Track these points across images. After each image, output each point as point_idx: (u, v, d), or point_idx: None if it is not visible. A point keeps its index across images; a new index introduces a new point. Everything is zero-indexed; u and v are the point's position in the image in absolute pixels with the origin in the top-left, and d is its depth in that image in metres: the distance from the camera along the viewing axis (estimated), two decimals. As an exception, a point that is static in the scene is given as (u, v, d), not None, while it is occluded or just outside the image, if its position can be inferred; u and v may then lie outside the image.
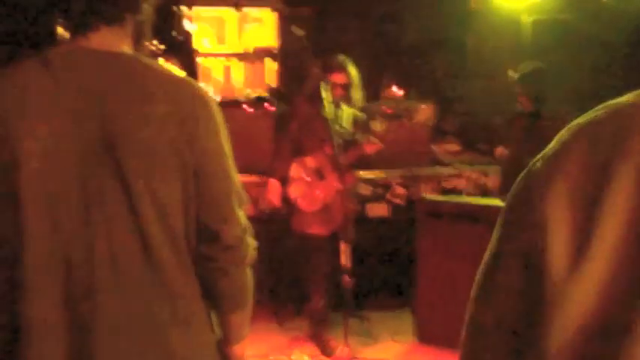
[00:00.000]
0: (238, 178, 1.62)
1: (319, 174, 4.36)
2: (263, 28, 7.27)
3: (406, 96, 5.75)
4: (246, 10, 7.12)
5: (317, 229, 4.23)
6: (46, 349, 1.42)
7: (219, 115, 1.57)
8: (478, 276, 1.07)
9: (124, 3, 1.50)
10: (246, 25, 7.20)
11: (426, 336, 4.53)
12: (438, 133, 5.38)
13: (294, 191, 4.30)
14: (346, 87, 4.38)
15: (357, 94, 4.46)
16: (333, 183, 4.33)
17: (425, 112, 4.41)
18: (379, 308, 5.08)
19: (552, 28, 5.50)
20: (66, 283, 1.42)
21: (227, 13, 7.14)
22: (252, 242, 1.65)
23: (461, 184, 5.24)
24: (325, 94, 4.19)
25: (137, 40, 1.58)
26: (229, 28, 7.19)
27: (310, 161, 4.37)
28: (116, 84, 1.46)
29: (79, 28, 1.49)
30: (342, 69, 4.37)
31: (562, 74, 4.98)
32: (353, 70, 4.42)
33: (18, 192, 1.40)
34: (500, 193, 4.64)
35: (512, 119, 4.58)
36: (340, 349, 4.05)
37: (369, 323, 4.81)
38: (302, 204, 4.28)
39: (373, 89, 4.85)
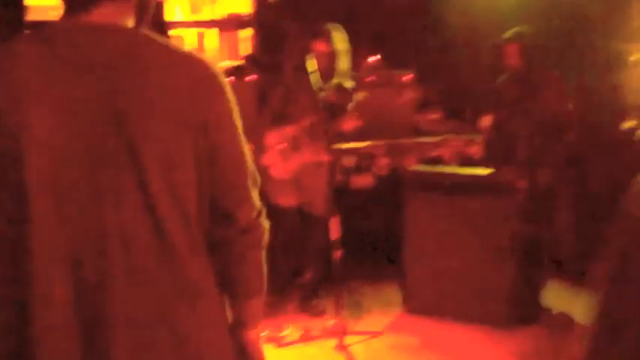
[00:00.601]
0: (251, 158, 1.57)
1: (295, 144, 4.32)
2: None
3: (385, 65, 5.69)
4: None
5: (284, 200, 4.21)
6: (58, 345, 1.36)
7: (231, 93, 1.50)
8: None
9: None
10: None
11: (414, 306, 4.56)
12: (420, 102, 5.35)
13: (267, 159, 4.28)
14: (330, 56, 4.32)
15: (344, 64, 4.39)
16: (307, 155, 4.31)
17: (406, 81, 4.38)
18: (367, 280, 5.10)
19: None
20: (77, 272, 1.36)
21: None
22: (266, 224, 1.61)
23: (445, 153, 5.23)
24: (310, 64, 4.14)
25: (140, 14, 1.49)
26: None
27: (289, 131, 4.33)
28: (124, 61, 1.38)
29: (81, 3, 1.39)
30: (326, 37, 4.30)
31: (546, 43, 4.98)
32: (340, 40, 4.36)
33: (24, 182, 1.32)
34: (486, 160, 4.65)
35: (502, 85, 4.58)
36: (333, 322, 4.05)
37: (358, 295, 4.83)
38: (272, 172, 4.26)
39: (352, 57, 4.77)
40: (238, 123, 1.52)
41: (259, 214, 1.59)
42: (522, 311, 4.33)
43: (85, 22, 1.39)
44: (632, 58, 5.13)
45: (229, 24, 7.04)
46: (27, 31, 1.45)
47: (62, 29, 1.40)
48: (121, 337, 1.38)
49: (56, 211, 1.34)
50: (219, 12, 7.04)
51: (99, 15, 1.40)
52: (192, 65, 1.46)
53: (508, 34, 4.48)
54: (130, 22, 1.46)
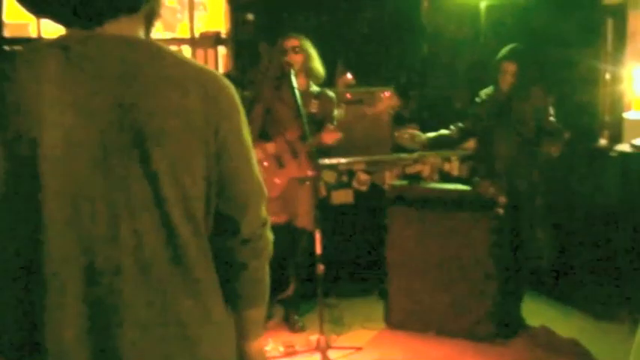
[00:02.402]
0: (259, 171, 1.60)
1: (279, 161, 4.32)
2: (211, 14, 7.15)
3: (362, 82, 5.73)
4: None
5: (274, 218, 4.18)
6: (67, 343, 1.36)
7: (241, 106, 1.54)
8: None
9: None
10: (195, 12, 7.06)
11: (396, 322, 4.56)
12: (398, 119, 5.39)
13: None
14: (306, 66, 4.35)
15: (318, 70, 4.43)
16: (292, 171, 4.31)
17: (385, 98, 4.39)
18: (348, 295, 5.10)
19: (508, 13, 5.57)
20: (88, 272, 1.37)
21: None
22: (270, 236, 1.63)
23: (424, 170, 5.28)
24: (291, 78, 4.15)
25: (147, 25, 1.53)
26: (179, 15, 7.04)
27: (270, 147, 4.33)
28: (139, 71, 1.40)
29: (95, 18, 1.41)
30: (299, 50, 4.33)
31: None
32: (310, 46, 4.40)
33: (38, 184, 1.33)
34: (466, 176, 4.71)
35: (483, 101, 4.61)
36: (316, 338, 4.03)
37: (339, 310, 4.82)
38: None
39: (327, 76, 4.80)
40: (246, 135, 1.55)
41: (264, 224, 1.61)
42: (504, 325, 4.37)
43: (100, 34, 1.41)
44: (607, 76, 5.25)
45: (204, 42, 7.03)
46: (45, 40, 1.46)
47: (78, 39, 1.40)
48: (130, 335, 1.39)
49: (70, 215, 1.35)
50: (194, 30, 7.05)
51: (113, 28, 1.42)
52: (204, 77, 1.47)
53: (504, 51, 4.49)
54: (142, 33, 1.50)
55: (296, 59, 4.30)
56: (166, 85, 1.41)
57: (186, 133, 1.41)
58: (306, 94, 4.32)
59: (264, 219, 1.60)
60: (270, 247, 1.64)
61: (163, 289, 1.42)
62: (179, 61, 1.47)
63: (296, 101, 4.07)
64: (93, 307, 1.37)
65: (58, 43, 1.40)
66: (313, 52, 4.42)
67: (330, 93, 4.50)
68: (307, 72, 4.39)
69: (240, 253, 1.56)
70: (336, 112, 4.61)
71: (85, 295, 1.36)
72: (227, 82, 1.52)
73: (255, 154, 1.59)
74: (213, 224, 1.51)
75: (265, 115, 4.38)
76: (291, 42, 4.36)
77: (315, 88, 4.46)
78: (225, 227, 1.53)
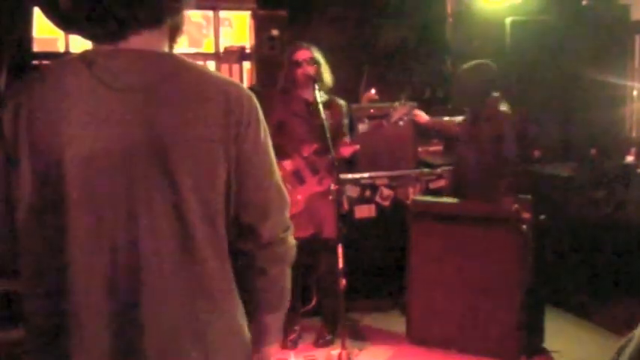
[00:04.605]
0: (280, 178, 1.62)
1: (298, 177, 4.29)
2: (237, 30, 7.23)
3: (385, 98, 5.74)
4: (221, 13, 7.06)
5: (300, 232, 4.16)
6: (90, 340, 1.41)
7: (262, 116, 1.57)
8: None
9: (166, 7, 1.47)
10: (221, 27, 7.14)
11: (417, 337, 4.53)
12: (422, 134, 5.38)
13: None
14: (317, 75, 4.29)
15: (328, 76, 4.39)
16: (313, 186, 4.27)
17: (399, 107, 4.38)
18: (370, 310, 5.08)
19: (533, 29, 5.55)
20: (110, 278, 1.40)
21: (202, 16, 7.07)
22: (292, 241, 1.65)
23: (447, 185, 5.26)
24: (317, 94, 4.14)
25: (170, 40, 1.57)
26: (204, 31, 7.12)
27: (288, 165, 4.26)
28: (162, 84, 1.44)
29: (119, 32, 1.44)
30: (312, 62, 4.30)
31: (542, 75, 5.05)
32: (319, 56, 4.37)
33: (63, 195, 1.38)
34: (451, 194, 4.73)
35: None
36: (338, 352, 4.02)
37: (361, 325, 4.80)
38: None
39: (351, 92, 4.82)
40: (267, 144, 1.58)
41: (286, 230, 1.62)
42: (527, 343, 4.31)
43: (124, 48, 1.45)
44: (635, 93, 5.22)
45: (229, 57, 7.10)
46: (71, 54, 1.50)
47: (102, 53, 1.44)
48: (150, 336, 1.42)
49: (93, 224, 1.39)
50: (219, 45, 7.12)
51: (136, 42, 1.46)
52: (225, 88, 1.51)
53: (466, 66, 4.53)
54: (165, 47, 1.53)
55: (311, 71, 4.27)
56: (188, 97, 1.45)
57: (207, 143, 1.44)
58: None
59: (286, 224, 1.63)
60: (293, 253, 1.66)
61: (181, 292, 1.45)
62: (201, 72, 1.51)
63: (319, 116, 4.05)
64: (115, 308, 1.41)
65: (83, 58, 1.44)
66: (323, 61, 4.39)
67: (340, 101, 4.48)
68: (319, 82, 4.31)
69: (260, 258, 1.59)
70: (360, 127, 4.61)
71: (107, 297, 1.40)
72: (248, 92, 1.55)
73: (275, 162, 1.62)
74: (234, 229, 1.54)
75: (278, 130, 4.28)
76: (304, 54, 4.31)
77: (323, 97, 4.35)
78: (245, 232, 1.56)
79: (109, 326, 1.40)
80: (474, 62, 4.57)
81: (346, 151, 4.25)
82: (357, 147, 4.31)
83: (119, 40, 1.45)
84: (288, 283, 1.66)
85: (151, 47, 1.47)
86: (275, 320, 1.69)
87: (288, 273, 1.66)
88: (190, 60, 1.52)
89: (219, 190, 1.48)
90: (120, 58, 1.43)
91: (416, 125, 4.87)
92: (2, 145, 1.40)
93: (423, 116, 4.69)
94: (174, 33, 1.56)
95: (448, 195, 4.79)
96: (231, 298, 1.55)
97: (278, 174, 1.62)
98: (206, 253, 1.47)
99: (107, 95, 1.40)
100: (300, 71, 4.27)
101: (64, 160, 1.37)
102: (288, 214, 1.64)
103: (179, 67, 1.48)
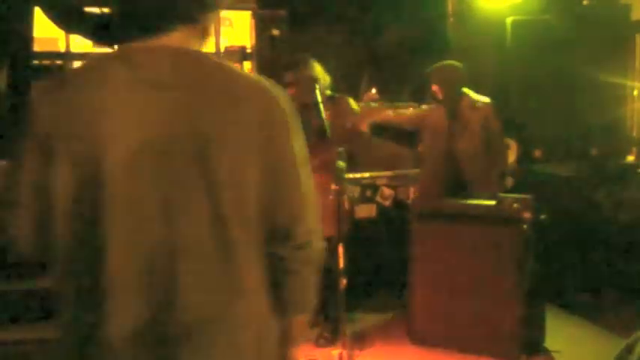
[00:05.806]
0: (311, 181, 1.63)
1: None
2: (237, 29, 7.20)
3: (386, 97, 5.74)
4: (222, 12, 7.05)
5: None
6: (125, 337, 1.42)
7: (295, 117, 1.58)
8: None
9: (201, 4, 1.49)
10: (221, 27, 7.12)
11: (419, 337, 4.53)
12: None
13: None
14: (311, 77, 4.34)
15: (326, 78, 4.44)
16: (323, 184, 4.27)
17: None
18: (371, 310, 5.08)
19: (534, 29, 5.55)
20: (147, 282, 1.42)
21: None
22: (320, 245, 1.66)
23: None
24: (318, 94, 4.15)
25: (202, 39, 1.58)
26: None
27: None
28: (200, 83, 1.45)
29: (153, 29, 1.46)
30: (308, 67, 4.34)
31: (543, 75, 5.05)
32: (316, 65, 4.41)
33: (102, 193, 1.39)
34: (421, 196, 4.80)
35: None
36: (338, 352, 4.01)
37: (362, 326, 4.80)
38: None
39: (351, 92, 4.82)
40: (300, 145, 1.58)
41: (314, 233, 1.64)
42: (528, 343, 4.31)
43: (159, 45, 1.46)
44: (636, 93, 5.21)
45: (229, 57, 7.09)
46: (105, 52, 1.51)
47: (138, 50, 1.45)
48: (187, 338, 1.44)
49: (131, 222, 1.40)
50: (220, 45, 7.11)
51: (169, 39, 1.47)
52: (259, 89, 1.52)
53: (430, 68, 4.70)
54: (198, 46, 1.54)
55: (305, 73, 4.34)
56: (226, 98, 1.45)
57: (243, 142, 1.45)
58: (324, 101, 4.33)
59: (318, 228, 1.64)
60: (321, 256, 1.67)
61: (216, 292, 1.46)
62: (236, 73, 1.52)
63: (320, 116, 4.07)
64: (150, 309, 1.42)
65: (119, 56, 1.45)
66: (317, 68, 4.42)
67: (350, 100, 4.53)
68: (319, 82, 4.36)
69: (292, 260, 1.60)
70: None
71: (143, 297, 1.41)
72: (281, 93, 1.56)
73: (307, 166, 1.62)
74: (267, 231, 1.55)
75: None
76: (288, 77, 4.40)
77: (328, 93, 4.44)
78: (278, 235, 1.57)
79: (145, 325, 1.42)
80: (440, 64, 4.80)
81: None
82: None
83: (153, 37, 1.46)
84: (315, 285, 1.68)
85: (186, 45, 1.48)
86: (302, 321, 1.72)
87: (316, 276, 1.68)
88: (223, 60, 1.54)
89: (255, 192, 1.48)
90: (157, 55, 1.44)
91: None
92: (33, 144, 1.41)
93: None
94: (204, 33, 1.57)
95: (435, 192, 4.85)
96: (263, 299, 1.57)
97: (311, 177, 1.62)
98: (240, 254, 1.48)
99: (147, 93, 1.41)
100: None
101: (104, 157, 1.38)
102: (319, 218, 1.65)
103: (215, 66, 1.49)
